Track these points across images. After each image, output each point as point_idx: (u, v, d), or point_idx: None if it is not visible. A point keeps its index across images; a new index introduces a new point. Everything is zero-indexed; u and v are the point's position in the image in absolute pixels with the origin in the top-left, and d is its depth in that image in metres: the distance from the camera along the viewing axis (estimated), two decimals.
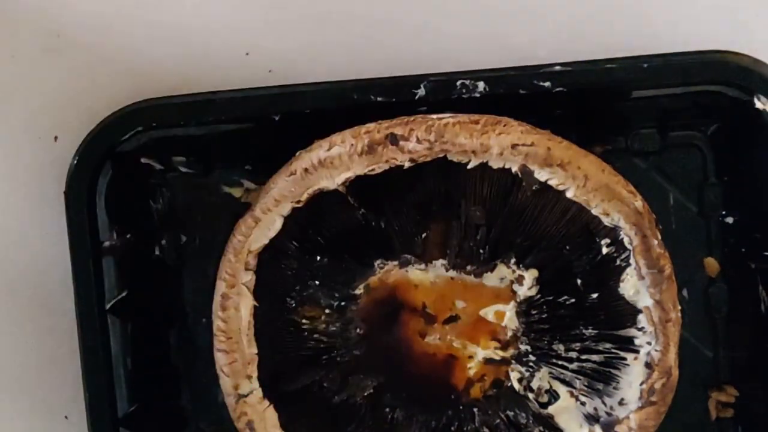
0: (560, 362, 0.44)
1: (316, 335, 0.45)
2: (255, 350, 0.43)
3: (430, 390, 0.45)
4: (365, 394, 0.45)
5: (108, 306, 0.47)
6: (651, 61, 0.44)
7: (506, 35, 0.49)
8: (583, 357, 0.44)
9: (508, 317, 0.45)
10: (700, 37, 0.48)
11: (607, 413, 0.43)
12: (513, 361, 0.45)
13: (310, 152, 0.42)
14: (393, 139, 0.41)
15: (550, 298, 0.44)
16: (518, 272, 0.44)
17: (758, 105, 0.44)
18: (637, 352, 0.43)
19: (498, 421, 0.45)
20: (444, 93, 0.44)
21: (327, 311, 0.45)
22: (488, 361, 0.45)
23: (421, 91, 0.44)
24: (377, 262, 0.45)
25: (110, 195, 0.47)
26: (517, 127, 0.41)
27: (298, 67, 0.50)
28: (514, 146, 0.41)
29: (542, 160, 0.41)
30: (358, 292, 0.45)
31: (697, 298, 0.49)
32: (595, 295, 0.44)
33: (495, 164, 0.42)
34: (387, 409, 0.45)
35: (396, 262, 0.45)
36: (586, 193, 0.42)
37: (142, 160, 0.48)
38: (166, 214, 0.50)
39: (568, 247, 0.44)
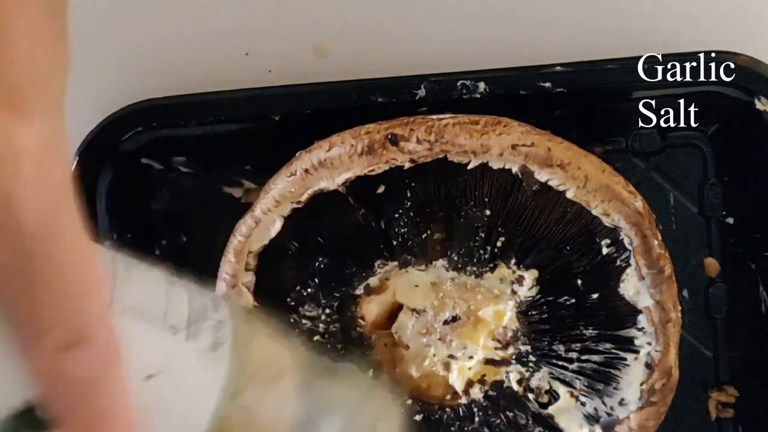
0: (560, 362, 0.44)
1: (316, 335, 0.45)
2: None
3: (430, 390, 0.45)
4: None
5: None
6: (651, 61, 0.44)
7: (506, 35, 0.49)
8: (584, 357, 0.44)
9: (508, 318, 0.45)
10: (700, 37, 0.48)
11: (608, 413, 0.43)
12: (513, 362, 0.45)
13: (310, 153, 0.42)
14: (393, 140, 0.41)
15: (551, 298, 0.44)
16: (518, 273, 0.44)
17: (758, 105, 0.44)
18: (638, 352, 0.43)
19: (498, 421, 0.45)
20: (444, 93, 0.44)
21: (327, 311, 0.45)
22: (488, 361, 0.45)
23: (422, 92, 0.44)
24: (377, 263, 0.45)
25: (110, 195, 0.47)
26: (517, 127, 0.41)
27: (298, 67, 0.50)
28: (514, 147, 0.41)
29: (542, 161, 0.41)
30: (358, 292, 0.45)
31: (697, 298, 0.49)
32: (595, 296, 0.44)
33: (495, 165, 0.42)
34: None
35: (396, 263, 0.45)
36: (586, 194, 0.42)
37: (142, 160, 0.48)
38: (166, 214, 0.50)
39: (568, 248, 0.44)
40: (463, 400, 0.45)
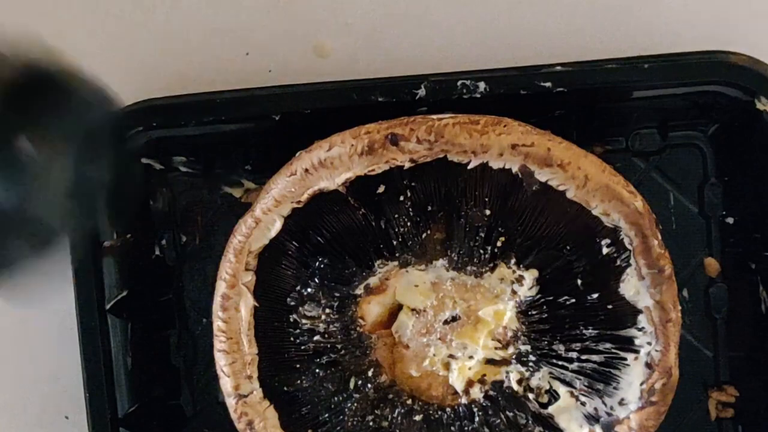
0: (560, 362, 0.44)
1: (316, 335, 0.45)
2: (255, 350, 0.43)
3: (430, 390, 0.45)
4: (365, 394, 0.45)
5: (108, 306, 0.47)
6: (651, 61, 0.44)
7: (506, 35, 0.49)
8: (584, 357, 0.44)
9: (508, 317, 0.45)
10: (700, 37, 0.48)
11: (608, 413, 0.43)
12: (513, 361, 0.45)
13: (310, 152, 0.42)
14: (393, 140, 0.41)
15: (551, 298, 0.44)
16: (518, 272, 0.44)
17: (758, 105, 0.44)
18: (638, 352, 0.43)
19: (498, 421, 0.45)
20: (444, 93, 0.44)
21: (327, 311, 0.45)
22: (488, 361, 0.45)
23: (422, 92, 0.44)
24: (377, 263, 0.45)
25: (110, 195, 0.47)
26: (517, 127, 0.41)
27: (298, 67, 0.50)
28: (514, 146, 0.41)
29: (542, 161, 0.41)
30: (358, 292, 0.45)
31: (697, 298, 0.49)
32: (595, 296, 0.44)
33: (495, 164, 0.42)
34: (387, 409, 0.45)
35: (396, 263, 0.45)
36: (586, 194, 0.42)
37: (143, 160, 0.48)
38: (166, 214, 0.50)
39: (568, 248, 0.44)
40: (463, 400, 0.45)
